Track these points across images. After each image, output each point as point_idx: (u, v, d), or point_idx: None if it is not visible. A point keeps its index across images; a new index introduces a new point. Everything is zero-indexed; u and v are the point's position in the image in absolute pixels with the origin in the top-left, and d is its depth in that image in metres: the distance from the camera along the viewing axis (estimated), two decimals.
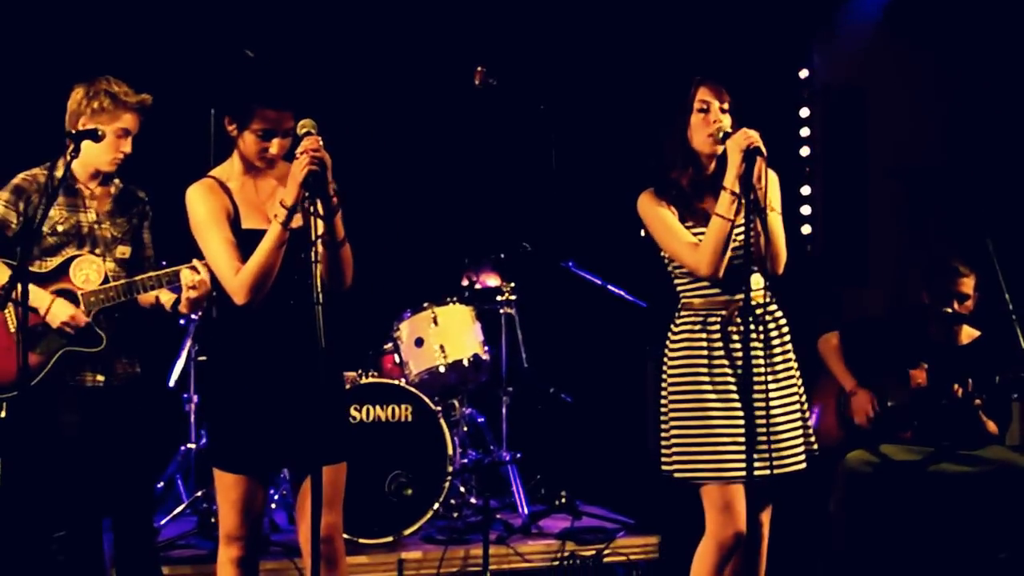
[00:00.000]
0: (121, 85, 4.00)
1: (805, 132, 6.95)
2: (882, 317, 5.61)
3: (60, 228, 3.97)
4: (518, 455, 5.75)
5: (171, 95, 5.24)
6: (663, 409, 3.77)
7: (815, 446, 3.79)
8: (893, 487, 4.79)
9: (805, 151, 6.95)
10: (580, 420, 6.02)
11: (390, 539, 5.12)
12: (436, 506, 5.19)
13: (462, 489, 5.57)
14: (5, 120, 5.43)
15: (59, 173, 3.94)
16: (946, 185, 6.58)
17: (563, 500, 5.65)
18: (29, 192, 3.98)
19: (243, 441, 3.43)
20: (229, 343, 3.52)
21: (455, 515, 5.46)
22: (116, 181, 4.13)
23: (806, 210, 6.92)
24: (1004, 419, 4.87)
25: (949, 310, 4.83)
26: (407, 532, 5.15)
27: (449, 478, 5.23)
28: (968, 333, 4.95)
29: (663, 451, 3.77)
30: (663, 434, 3.77)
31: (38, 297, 3.88)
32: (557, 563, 5.19)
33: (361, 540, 5.02)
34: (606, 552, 5.24)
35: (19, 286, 3.53)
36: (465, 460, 5.69)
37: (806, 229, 6.92)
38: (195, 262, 3.80)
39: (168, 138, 5.22)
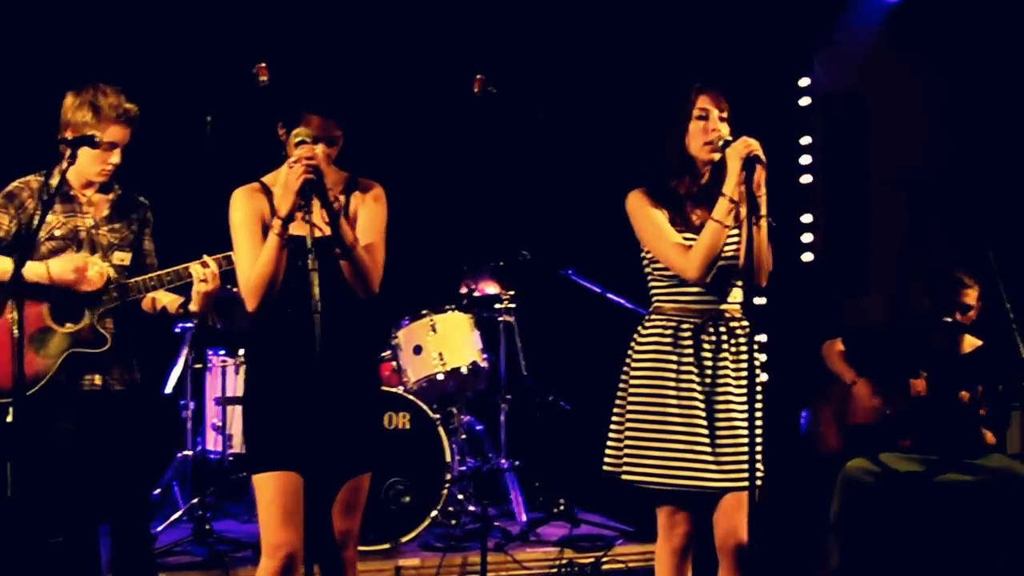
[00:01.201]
0: (108, 95, 3.93)
1: (806, 140, 6.95)
2: (884, 325, 5.61)
3: (58, 233, 3.96)
4: (516, 463, 5.74)
5: (170, 102, 5.27)
6: (617, 409, 3.74)
7: (761, 473, 3.75)
8: (893, 495, 4.78)
9: (806, 159, 6.95)
10: (579, 428, 6.00)
11: (388, 546, 5.11)
12: (434, 513, 5.18)
13: (460, 496, 5.56)
14: (6, 128, 5.43)
15: (54, 181, 3.93)
16: (947, 193, 6.58)
17: (561, 508, 5.65)
18: (21, 198, 3.96)
19: (274, 441, 3.40)
20: (255, 351, 3.58)
21: (453, 522, 5.44)
22: (116, 188, 4.11)
23: (807, 218, 6.91)
24: (1002, 428, 4.87)
25: (950, 319, 4.83)
26: (405, 539, 5.14)
27: (447, 485, 5.22)
28: (970, 342, 4.94)
29: (610, 451, 3.74)
30: (613, 434, 3.74)
31: (33, 270, 3.86)
32: (555, 571, 5.18)
33: (359, 547, 4.99)
34: (604, 560, 5.22)
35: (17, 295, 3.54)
36: (463, 468, 5.67)
37: (807, 237, 6.92)
38: (205, 257, 3.83)
39: (167, 145, 5.23)
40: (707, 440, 3.60)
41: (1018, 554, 4.78)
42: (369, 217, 3.48)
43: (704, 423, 3.60)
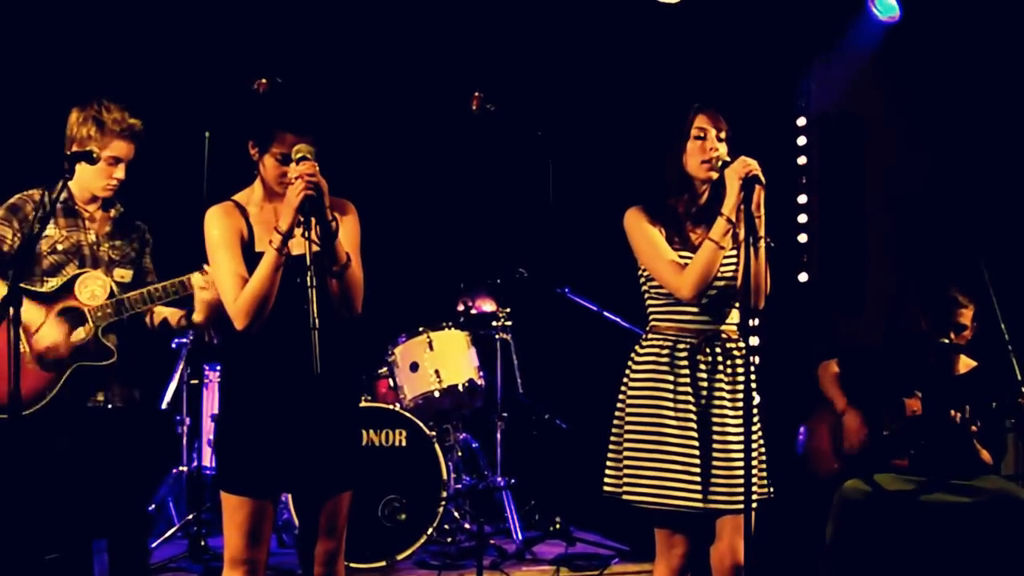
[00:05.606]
0: (112, 110, 3.96)
1: (802, 160, 6.96)
2: (880, 345, 5.61)
3: (60, 247, 3.97)
4: (512, 481, 5.73)
5: (168, 116, 5.27)
6: (615, 429, 3.73)
7: (771, 491, 3.75)
8: (888, 517, 4.78)
9: (801, 179, 6.96)
10: (575, 446, 6.00)
11: (383, 564, 5.10)
12: (430, 531, 5.18)
13: (456, 514, 5.55)
14: (9, 141, 5.44)
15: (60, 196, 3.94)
16: (942, 214, 6.59)
17: (557, 526, 5.64)
18: (25, 211, 3.97)
19: (248, 464, 3.40)
20: (235, 368, 3.52)
21: (449, 540, 5.44)
22: (118, 205, 4.13)
23: (802, 238, 6.92)
24: (998, 448, 4.87)
25: (946, 340, 4.83)
26: (401, 557, 5.13)
27: (443, 503, 5.21)
28: (965, 363, 4.95)
29: (610, 471, 3.73)
30: (612, 454, 3.73)
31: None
32: None
33: (354, 565, 5.00)
34: None
35: (12, 308, 3.54)
36: (459, 485, 5.67)
37: (802, 256, 6.92)
38: (205, 266, 3.82)
39: (165, 159, 5.23)
40: (704, 461, 3.59)
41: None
42: (347, 236, 3.44)
43: (701, 444, 3.60)
